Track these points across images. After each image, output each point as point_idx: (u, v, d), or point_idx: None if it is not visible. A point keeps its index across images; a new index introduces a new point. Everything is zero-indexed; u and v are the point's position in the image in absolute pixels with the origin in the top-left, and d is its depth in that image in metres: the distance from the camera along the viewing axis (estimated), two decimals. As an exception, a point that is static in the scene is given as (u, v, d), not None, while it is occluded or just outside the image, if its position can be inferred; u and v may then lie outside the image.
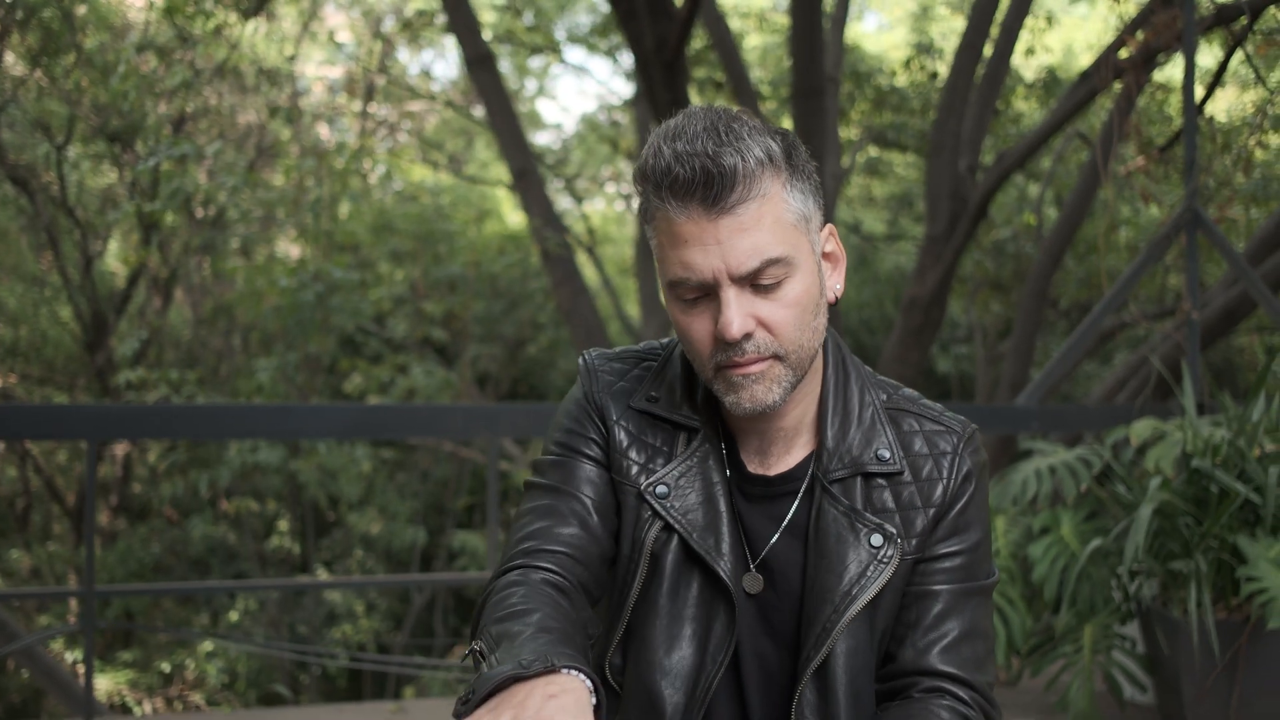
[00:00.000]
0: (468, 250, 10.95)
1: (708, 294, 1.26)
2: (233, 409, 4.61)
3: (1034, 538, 3.63)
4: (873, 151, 13.20)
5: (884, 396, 1.42)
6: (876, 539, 1.33)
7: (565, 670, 1.09)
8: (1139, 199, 8.92)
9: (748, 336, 1.26)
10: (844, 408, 1.38)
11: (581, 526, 1.36)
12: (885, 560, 1.32)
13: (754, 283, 1.25)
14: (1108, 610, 3.51)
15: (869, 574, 1.32)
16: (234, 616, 10.13)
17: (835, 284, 1.36)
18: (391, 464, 10.98)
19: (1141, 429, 3.57)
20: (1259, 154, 8.74)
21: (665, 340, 1.49)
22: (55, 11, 8.58)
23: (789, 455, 1.39)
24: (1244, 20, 5.11)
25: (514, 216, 14.28)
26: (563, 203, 14.90)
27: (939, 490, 1.36)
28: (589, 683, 1.10)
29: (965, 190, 6.91)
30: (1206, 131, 7.07)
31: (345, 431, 4.36)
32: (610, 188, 15.85)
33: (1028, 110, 11.66)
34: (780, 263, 1.25)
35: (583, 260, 13.12)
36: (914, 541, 1.35)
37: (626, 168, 14.97)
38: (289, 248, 11.33)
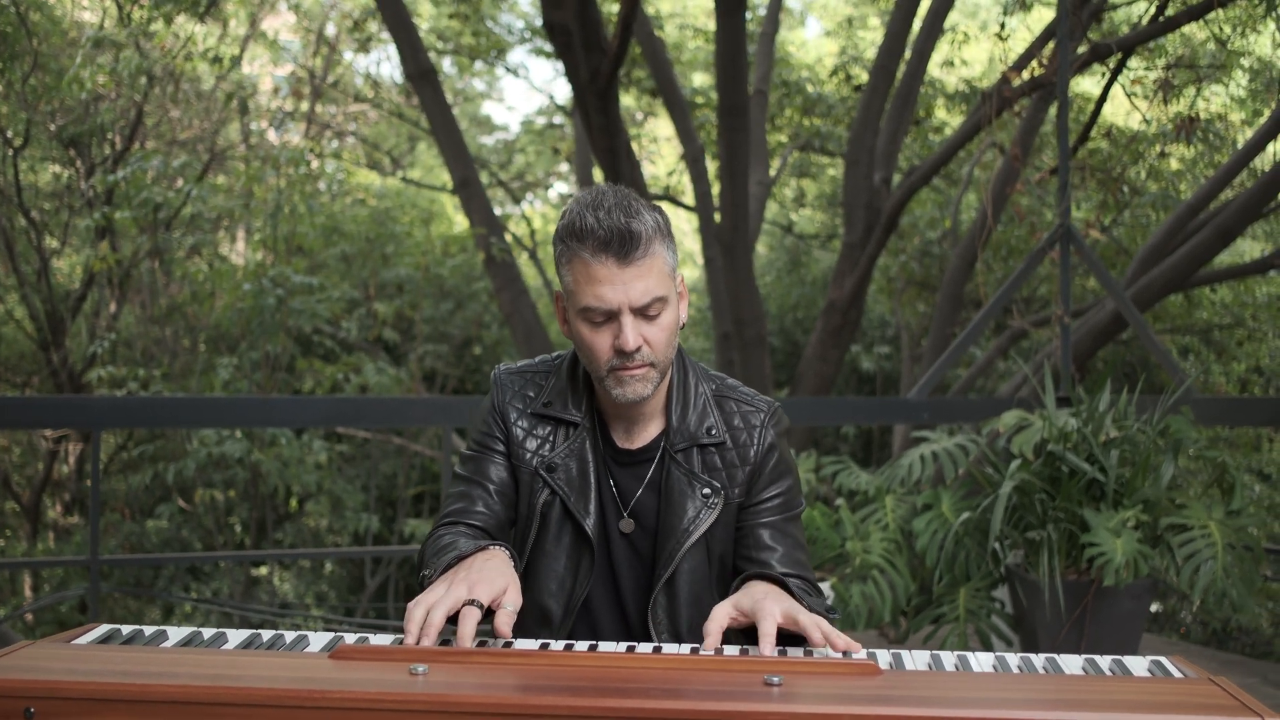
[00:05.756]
0: (415, 252, 11.31)
1: (611, 319, 1.78)
2: (228, 401, 5.14)
3: (918, 513, 4.16)
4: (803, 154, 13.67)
5: (713, 387, 1.97)
6: (706, 490, 1.89)
7: (491, 546, 1.70)
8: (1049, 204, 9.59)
9: (638, 349, 1.78)
10: (684, 398, 1.93)
11: (485, 505, 1.91)
12: (712, 506, 1.88)
13: (644, 313, 1.78)
14: (980, 576, 4.06)
15: (701, 516, 1.88)
16: (188, 609, 10.42)
17: (682, 314, 1.89)
18: (344, 457, 11.33)
19: (1009, 419, 4.13)
20: (1170, 164, 9.48)
21: (553, 356, 2.02)
22: (12, 16, 8.81)
23: (646, 433, 1.94)
24: (1118, 56, 5.72)
25: (459, 218, 14.61)
26: (506, 204, 15.28)
27: (752, 451, 1.92)
28: (508, 552, 1.71)
29: (879, 201, 7.49)
30: (1111, 147, 7.71)
31: (328, 420, 4.90)
32: (552, 193, 16.28)
33: (950, 119, 12.23)
34: (662, 300, 1.78)
35: (524, 261, 13.54)
36: (736, 490, 1.91)
37: (568, 170, 15.42)
38: (243, 249, 11.62)
